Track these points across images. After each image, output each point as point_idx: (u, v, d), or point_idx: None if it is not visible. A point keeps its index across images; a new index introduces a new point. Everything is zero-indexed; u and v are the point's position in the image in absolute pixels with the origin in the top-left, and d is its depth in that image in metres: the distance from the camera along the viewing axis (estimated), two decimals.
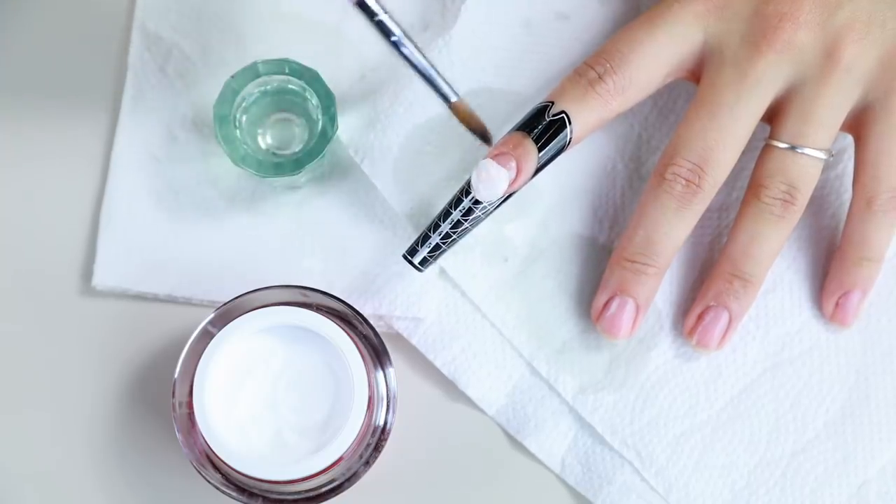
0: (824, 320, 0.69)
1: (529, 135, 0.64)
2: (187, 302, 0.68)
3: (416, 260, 0.65)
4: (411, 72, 0.61)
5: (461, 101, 0.63)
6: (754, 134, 0.65)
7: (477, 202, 0.64)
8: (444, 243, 0.65)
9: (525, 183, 0.64)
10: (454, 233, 0.65)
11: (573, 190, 0.69)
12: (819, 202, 0.69)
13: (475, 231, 0.67)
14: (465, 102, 0.63)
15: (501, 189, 0.63)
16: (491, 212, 0.65)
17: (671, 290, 0.69)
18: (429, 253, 0.65)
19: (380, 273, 0.68)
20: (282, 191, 0.69)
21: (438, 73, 0.62)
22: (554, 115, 0.64)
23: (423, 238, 0.65)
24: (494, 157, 0.63)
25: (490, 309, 0.68)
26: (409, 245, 0.66)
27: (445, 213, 0.65)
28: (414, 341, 0.68)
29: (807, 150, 0.64)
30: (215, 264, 0.68)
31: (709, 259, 0.69)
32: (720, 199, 0.69)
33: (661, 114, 0.70)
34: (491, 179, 0.63)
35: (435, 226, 0.65)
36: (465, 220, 0.64)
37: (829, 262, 0.69)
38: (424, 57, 0.61)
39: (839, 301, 0.68)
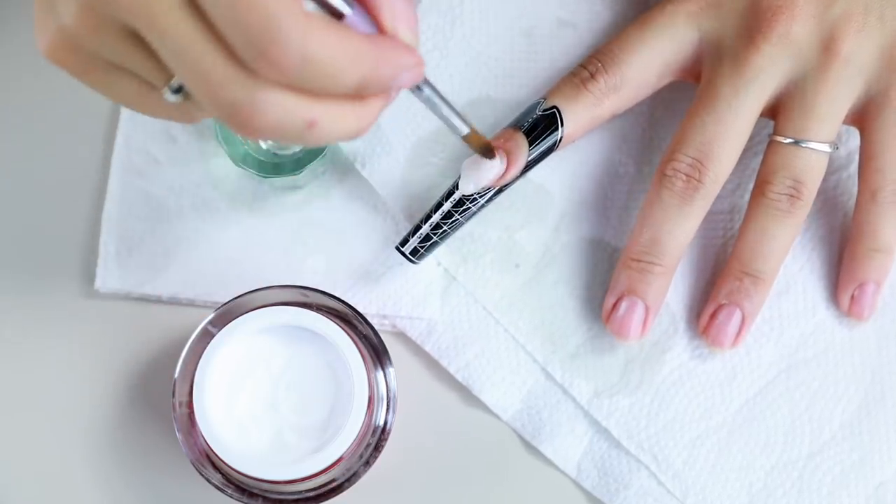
0: (839, 321, 0.68)
1: (521, 130, 0.65)
2: (190, 303, 0.69)
3: (407, 250, 0.65)
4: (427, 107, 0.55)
5: (473, 131, 0.60)
6: (761, 132, 0.65)
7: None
8: (435, 234, 0.65)
9: (515, 176, 0.64)
10: (445, 224, 0.65)
11: (583, 195, 0.69)
12: (830, 202, 0.69)
13: (486, 238, 0.67)
14: (476, 131, 0.61)
15: (490, 180, 0.63)
16: (483, 205, 0.65)
17: (684, 293, 0.68)
18: (419, 244, 0.65)
19: (384, 272, 0.68)
20: (283, 191, 0.69)
21: (450, 106, 0.56)
22: (545, 111, 0.65)
23: (415, 229, 0.66)
24: None
25: (503, 315, 0.68)
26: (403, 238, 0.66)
27: (438, 205, 0.65)
28: (427, 348, 0.68)
29: (811, 144, 0.63)
30: (218, 265, 0.68)
31: (721, 261, 0.69)
32: (731, 201, 0.69)
33: (671, 116, 0.70)
34: (480, 171, 0.63)
35: (427, 217, 0.65)
36: (457, 212, 0.65)
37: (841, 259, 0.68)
38: (439, 95, 0.55)
39: (854, 295, 0.67)
